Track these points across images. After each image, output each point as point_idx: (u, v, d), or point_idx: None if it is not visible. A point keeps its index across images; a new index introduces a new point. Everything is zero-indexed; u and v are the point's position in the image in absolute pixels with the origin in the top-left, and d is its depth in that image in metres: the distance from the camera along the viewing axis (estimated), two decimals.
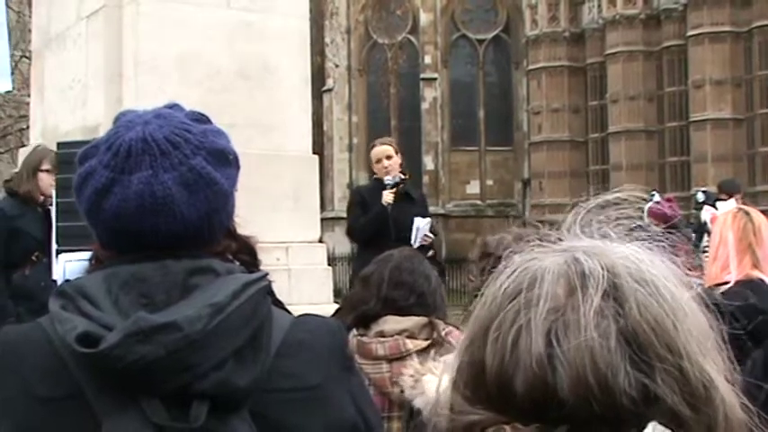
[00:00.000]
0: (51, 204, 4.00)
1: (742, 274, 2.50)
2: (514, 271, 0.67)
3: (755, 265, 2.51)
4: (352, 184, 32.71)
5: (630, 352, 0.61)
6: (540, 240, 0.71)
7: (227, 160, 1.17)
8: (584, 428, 0.60)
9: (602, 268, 0.64)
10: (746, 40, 27.59)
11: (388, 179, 5.36)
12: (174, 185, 1.11)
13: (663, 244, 0.70)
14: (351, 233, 5.73)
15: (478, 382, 0.64)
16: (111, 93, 5.11)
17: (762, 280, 2.49)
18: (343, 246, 28.84)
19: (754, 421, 0.66)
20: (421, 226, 5.30)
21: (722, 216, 2.76)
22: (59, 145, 3.66)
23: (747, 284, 2.48)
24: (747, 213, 2.65)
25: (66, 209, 3.38)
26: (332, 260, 11.02)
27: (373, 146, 5.70)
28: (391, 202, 5.30)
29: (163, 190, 1.11)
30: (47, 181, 4.17)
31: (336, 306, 5.23)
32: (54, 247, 3.91)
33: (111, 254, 1.16)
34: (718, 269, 2.57)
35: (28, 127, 7.26)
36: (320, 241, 5.87)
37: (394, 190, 5.33)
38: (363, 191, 5.82)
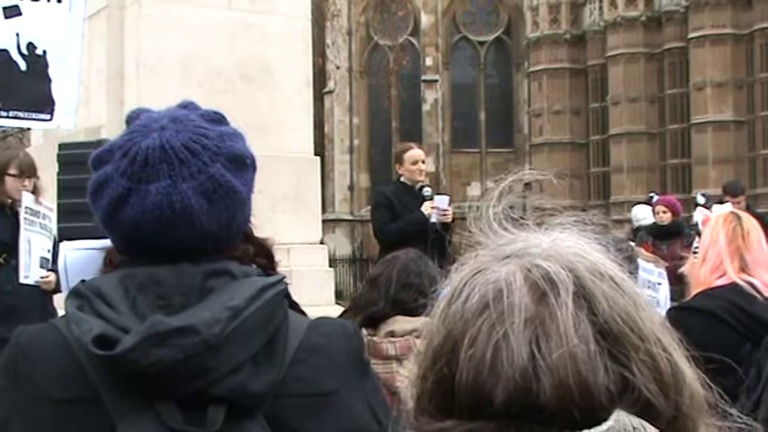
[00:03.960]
0: (20, 207, 3.99)
1: (729, 279, 2.50)
2: (469, 284, 0.66)
3: (743, 269, 2.51)
4: (353, 186, 32.71)
5: (608, 347, 0.62)
6: (476, 246, 0.70)
7: (244, 164, 1.14)
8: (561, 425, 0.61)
9: (564, 269, 0.64)
10: (748, 42, 27.59)
11: (427, 191, 5.30)
12: (194, 196, 1.08)
13: (585, 227, 0.71)
14: (383, 236, 5.51)
15: (446, 397, 0.64)
16: (112, 94, 5.12)
17: (750, 283, 2.49)
18: (344, 247, 28.83)
19: (713, 396, 0.68)
20: (439, 204, 5.29)
21: (714, 218, 2.76)
22: (61, 146, 3.65)
23: (733, 289, 2.49)
24: (738, 217, 2.65)
25: (67, 210, 3.38)
26: (333, 262, 11.03)
27: (407, 148, 5.50)
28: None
29: (182, 201, 1.08)
30: (13, 185, 4.15)
31: (338, 307, 5.24)
32: (42, 250, 3.91)
33: (126, 258, 1.14)
34: (708, 271, 2.56)
35: (29, 129, 7.27)
36: (321, 243, 5.88)
37: (433, 202, 5.24)
38: (389, 193, 5.53)
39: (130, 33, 5.14)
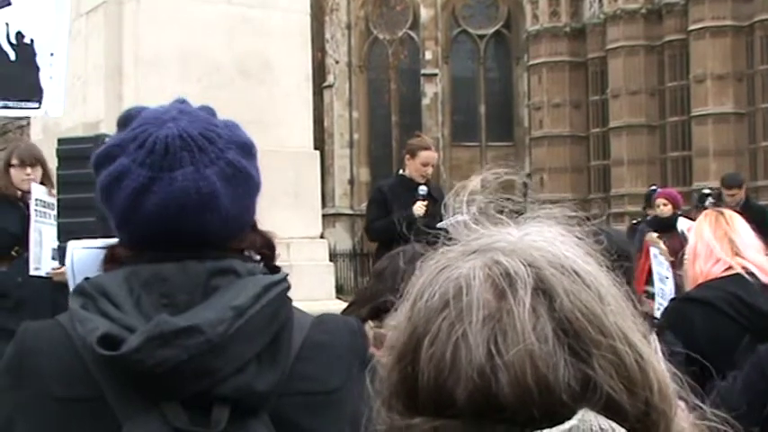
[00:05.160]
0: (30, 199, 3.99)
1: (726, 264, 2.51)
2: (434, 281, 0.65)
3: (736, 253, 2.53)
4: (353, 180, 32.69)
5: (569, 342, 0.61)
6: (447, 242, 0.69)
7: (252, 153, 1.16)
8: (524, 425, 0.60)
9: (524, 265, 0.63)
10: (748, 34, 27.56)
11: (422, 189, 5.16)
12: (218, 180, 1.10)
13: (556, 216, 0.70)
14: (368, 232, 5.56)
15: (411, 396, 0.64)
16: (111, 89, 5.11)
17: (745, 268, 2.50)
18: (345, 242, 28.84)
19: (683, 389, 0.67)
20: (458, 219, 5.24)
21: (696, 221, 2.82)
22: (60, 141, 3.64)
23: (732, 279, 2.49)
24: (719, 211, 2.70)
25: (67, 205, 3.37)
26: (333, 256, 11.03)
27: (426, 147, 5.42)
28: (422, 215, 5.08)
29: (208, 185, 1.09)
30: (17, 176, 4.15)
31: (338, 302, 5.24)
32: (55, 243, 3.91)
33: (134, 253, 1.13)
34: (703, 263, 2.58)
35: (28, 124, 7.27)
36: (321, 237, 5.87)
37: (426, 202, 5.13)
38: (385, 189, 5.47)
39: (128, 28, 5.13)
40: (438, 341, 0.62)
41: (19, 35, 2.75)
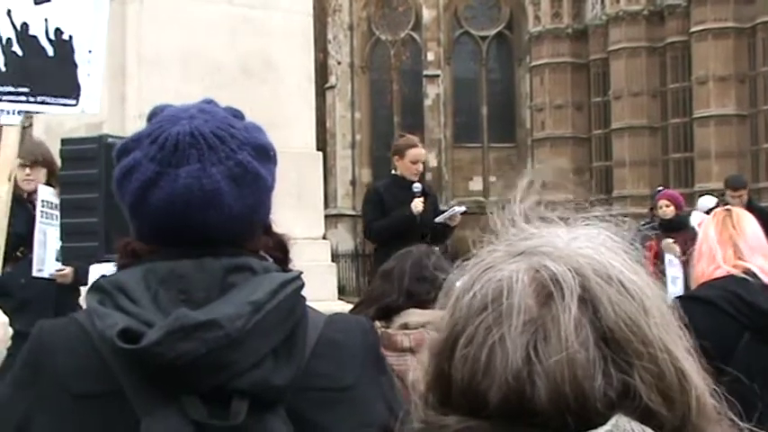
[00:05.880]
0: (35, 199, 3.99)
1: (729, 265, 2.53)
2: (477, 280, 0.65)
3: (739, 257, 2.54)
4: (355, 181, 32.70)
5: (610, 353, 0.60)
6: (495, 239, 0.69)
7: (268, 156, 1.17)
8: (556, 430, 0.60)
9: (571, 272, 0.63)
10: (750, 36, 27.54)
11: (416, 186, 5.20)
12: (223, 179, 1.11)
13: (607, 219, 0.70)
14: (368, 234, 5.59)
15: (446, 394, 0.64)
16: (114, 89, 5.11)
17: (747, 270, 2.51)
18: (347, 243, 28.83)
19: (722, 407, 0.66)
20: (456, 210, 5.28)
21: (706, 218, 2.82)
22: (63, 141, 3.64)
23: (732, 279, 2.51)
24: (728, 210, 2.71)
25: (69, 205, 3.37)
26: (335, 257, 11.02)
27: (412, 144, 5.45)
28: (422, 210, 5.13)
29: (212, 183, 1.10)
30: (19, 175, 4.17)
31: (341, 303, 5.24)
32: (58, 243, 3.91)
33: (150, 248, 1.15)
34: (705, 265, 2.60)
35: (31, 124, 7.26)
36: (324, 238, 5.87)
37: (423, 199, 5.18)
38: (381, 189, 5.55)
39: (131, 28, 5.13)
40: (474, 343, 0.62)
41: (58, 31, 2.75)
